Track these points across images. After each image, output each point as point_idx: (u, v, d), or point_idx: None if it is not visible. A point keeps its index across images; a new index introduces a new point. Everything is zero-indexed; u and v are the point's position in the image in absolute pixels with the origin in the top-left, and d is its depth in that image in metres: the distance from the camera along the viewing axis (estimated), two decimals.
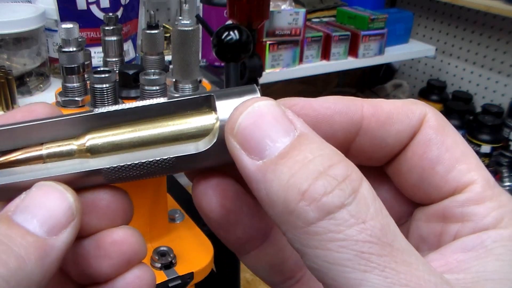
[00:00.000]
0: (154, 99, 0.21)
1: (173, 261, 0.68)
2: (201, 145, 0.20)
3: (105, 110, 0.20)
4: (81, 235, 0.21)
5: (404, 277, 0.16)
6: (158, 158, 0.20)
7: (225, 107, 0.20)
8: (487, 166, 1.79)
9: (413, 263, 0.17)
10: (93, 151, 0.21)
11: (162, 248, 0.70)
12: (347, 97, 0.21)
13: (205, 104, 0.21)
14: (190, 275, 0.67)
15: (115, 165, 0.20)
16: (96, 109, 0.21)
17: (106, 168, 0.20)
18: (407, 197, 0.23)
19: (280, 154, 0.17)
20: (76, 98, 0.62)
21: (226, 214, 0.21)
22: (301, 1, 1.74)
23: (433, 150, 0.21)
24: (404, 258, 0.17)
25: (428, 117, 0.21)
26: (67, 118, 0.20)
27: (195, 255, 0.71)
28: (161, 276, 0.66)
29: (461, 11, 2.03)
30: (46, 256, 0.18)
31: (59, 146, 0.21)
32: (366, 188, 0.17)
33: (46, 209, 0.18)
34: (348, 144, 0.22)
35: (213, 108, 0.21)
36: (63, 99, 0.62)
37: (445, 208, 0.21)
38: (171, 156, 0.20)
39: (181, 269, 0.68)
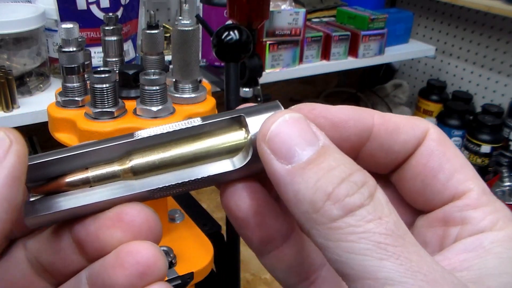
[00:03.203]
0: (190, 121, 0.22)
1: (173, 261, 0.68)
2: (236, 161, 0.23)
3: (146, 136, 0.22)
4: (106, 250, 0.21)
5: (415, 265, 0.18)
6: (200, 177, 0.22)
7: (255, 123, 0.22)
8: (487, 166, 1.79)
9: (423, 255, 0.19)
10: (137, 173, 0.22)
11: (162, 248, 0.70)
12: (360, 107, 0.24)
13: (236, 121, 0.23)
14: (190, 275, 0.67)
15: (161, 186, 0.22)
16: (137, 135, 0.22)
17: (153, 189, 0.22)
18: (410, 203, 0.25)
19: (308, 160, 0.20)
20: (76, 98, 0.62)
21: (252, 214, 0.23)
22: (301, 1, 1.74)
23: (435, 160, 0.23)
24: (415, 249, 0.19)
25: (430, 132, 0.24)
26: (112, 144, 0.22)
27: (195, 255, 0.71)
28: None
29: (461, 11, 2.03)
30: None
31: (104, 169, 0.22)
32: (380, 193, 0.20)
33: None
34: (359, 148, 0.24)
35: (243, 125, 0.23)
36: (63, 99, 0.62)
37: (446, 213, 0.23)
38: (211, 174, 0.22)
39: (181, 269, 0.68)
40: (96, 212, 0.21)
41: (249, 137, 0.22)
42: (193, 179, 0.22)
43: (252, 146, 0.22)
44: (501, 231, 0.22)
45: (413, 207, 0.25)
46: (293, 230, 0.25)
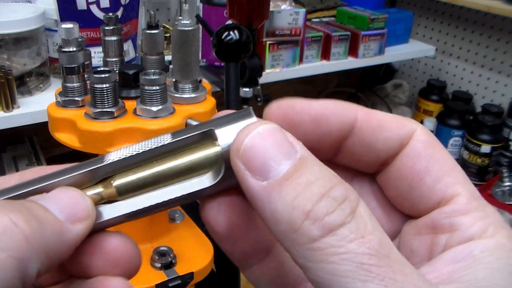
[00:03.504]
0: (161, 138, 0.22)
1: (173, 261, 0.68)
2: (211, 176, 0.22)
3: (116, 159, 0.22)
4: (83, 275, 0.21)
5: (401, 285, 0.18)
6: (179, 195, 0.22)
7: (225, 135, 0.21)
8: (487, 166, 1.79)
9: (408, 273, 0.18)
10: (121, 193, 0.22)
11: (162, 248, 0.70)
12: (344, 102, 0.23)
13: (207, 135, 0.22)
14: (190, 275, 0.67)
15: (142, 207, 0.22)
16: (110, 158, 0.22)
17: (135, 210, 0.22)
18: (397, 207, 0.24)
19: (284, 176, 0.19)
20: (76, 98, 0.62)
21: (231, 228, 0.22)
22: (301, 1, 1.74)
23: (422, 162, 0.22)
24: (401, 268, 0.18)
25: (418, 133, 0.23)
26: (86, 170, 0.22)
27: (195, 255, 0.71)
28: (161, 276, 0.66)
29: (461, 11, 2.03)
30: (62, 234, 0.19)
31: (87, 192, 0.22)
32: (363, 207, 0.19)
33: (67, 201, 0.20)
34: (340, 142, 0.23)
35: (215, 138, 0.22)
36: (63, 99, 0.62)
37: (434, 220, 0.22)
38: (184, 193, 0.22)
39: (181, 269, 0.68)
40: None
41: (219, 151, 0.21)
42: (166, 199, 0.22)
43: (224, 160, 0.21)
44: (491, 238, 0.20)
45: (400, 211, 0.24)
46: (276, 243, 0.24)
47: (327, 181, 0.19)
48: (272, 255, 0.24)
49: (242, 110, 0.22)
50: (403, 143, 0.23)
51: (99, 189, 0.22)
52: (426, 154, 0.22)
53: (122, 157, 0.22)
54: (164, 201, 0.22)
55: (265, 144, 0.19)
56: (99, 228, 0.22)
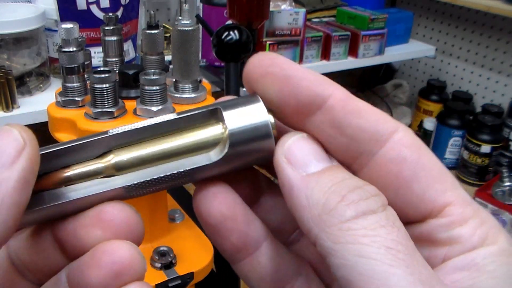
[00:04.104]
0: (165, 116, 0.22)
1: (173, 261, 0.68)
2: (213, 155, 0.22)
3: (123, 130, 0.22)
4: (86, 249, 0.21)
5: (425, 277, 0.18)
6: (176, 171, 0.22)
7: (232, 117, 0.21)
8: (487, 166, 1.79)
9: (430, 269, 0.19)
10: (119, 168, 0.22)
11: (162, 248, 0.70)
12: (325, 77, 0.22)
13: (213, 115, 0.22)
14: (190, 275, 0.67)
15: (137, 182, 0.21)
16: (114, 130, 0.22)
17: (130, 184, 0.21)
18: None
19: (323, 170, 0.20)
20: (76, 98, 0.62)
21: (223, 220, 0.23)
22: (301, 1, 1.74)
23: (409, 168, 0.21)
24: (423, 263, 0.18)
25: (400, 135, 0.21)
26: (88, 141, 0.22)
27: (195, 255, 0.71)
28: (161, 276, 0.66)
29: (461, 11, 2.03)
30: (2, 187, 0.18)
31: (86, 166, 0.22)
32: (392, 208, 0.20)
33: None
34: (307, 113, 0.22)
35: (220, 119, 0.22)
36: (63, 99, 0.62)
37: (430, 233, 0.21)
38: (187, 169, 0.22)
39: (181, 269, 0.68)
40: (78, 210, 0.21)
41: (226, 131, 0.21)
42: (168, 173, 0.22)
43: (229, 140, 0.21)
44: (492, 245, 0.20)
45: None
46: (266, 238, 0.24)
47: (360, 181, 0.20)
48: (262, 250, 0.24)
49: (249, 95, 0.22)
50: (379, 139, 0.21)
51: (97, 164, 0.22)
52: (412, 159, 0.21)
53: (125, 130, 0.22)
54: (160, 176, 0.21)
55: (308, 146, 0.21)
56: (96, 202, 0.21)
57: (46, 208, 0.21)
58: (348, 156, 0.22)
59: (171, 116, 0.22)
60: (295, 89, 0.21)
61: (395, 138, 0.21)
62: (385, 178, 0.21)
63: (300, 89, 0.21)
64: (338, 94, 0.21)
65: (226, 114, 0.21)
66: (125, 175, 0.22)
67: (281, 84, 0.21)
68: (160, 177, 0.22)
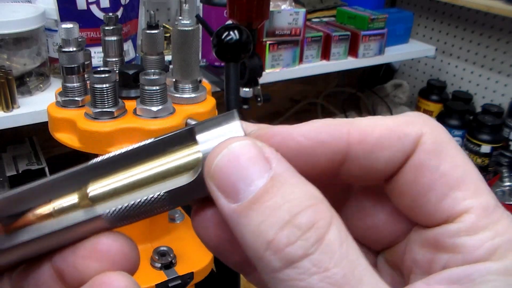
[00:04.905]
0: (142, 142, 0.22)
1: (173, 261, 0.68)
2: (190, 177, 0.21)
3: (98, 160, 0.22)
4: (85, 280, 0.21)
5: None
6: (151, 196, 0.21)
7: (205, 139, 0.21)
8: (487, 166, 1.79)
9: None
10: (95, 200, 0.22)
11: (162, 248, 0.70)
12: (333, 123, 0.21)
13: (190, 137, 0.22)
14: (190, 275, 0.68)
15: (113, 209, 0.21)
16: (91, 162, 0.22)
17: (106, 212, 0.21)
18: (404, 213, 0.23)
19: (253, 199, 0.18)
20: (76, 98, 0.62)
21: (222, 243, 0.22)
22: (301, 1, 1.74)
23: (425, 176, 0.20)
24: None
25: (424, 139, 0.20)
26: (65, 174, 0.22)
27: (195, 255, 0.71)
28: (161, 276, 0.66)
29: (461, 11, 2.03)
30: None
31: (64, 201, 0.22)
32: (333, 233, 0.18)
33: None
34: (335, 170, 0.21)
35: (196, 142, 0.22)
36: (63, 99, 0.62)
37: (436, 237, 0.20)
38: (162, 192, 0.21)
39: (181, 269, 0.68)
40: (68, 242, 0.22)
41: (199, 156, 0.21)
42: (144, 198, 0.21)
43: (201, 164, 0.20)
44: (499, 261, 0.18)
45: None
46: None
47: (295, 205, 0.18)
48: None
49: (227, 113, 0.21)
50: (407, 155, 0.20)
51: (74, 197, 0.22)
52: (430, 167, 0.20)
53: (100, 160, 0.22)
54: (138, 202, 0.21)
55: (235, 163, 0.19)
56: (82, 234, 0.21)
57: (26, 243, 0.21)
58: (382, 179, 0.22)
59: (148, 141, 0.22)
60: (313, 159, 0.21)
61: (419, 145, 0.20)
62: (402, 185, 0.21)
63: (318, 157, 0.21)
64: (353, 137, 0.21)
65: (200, 137, 0.21)
66: (103, 205, 0.22)
67: (294, 162, 0.20)
68: (138, 202, 0.21)
